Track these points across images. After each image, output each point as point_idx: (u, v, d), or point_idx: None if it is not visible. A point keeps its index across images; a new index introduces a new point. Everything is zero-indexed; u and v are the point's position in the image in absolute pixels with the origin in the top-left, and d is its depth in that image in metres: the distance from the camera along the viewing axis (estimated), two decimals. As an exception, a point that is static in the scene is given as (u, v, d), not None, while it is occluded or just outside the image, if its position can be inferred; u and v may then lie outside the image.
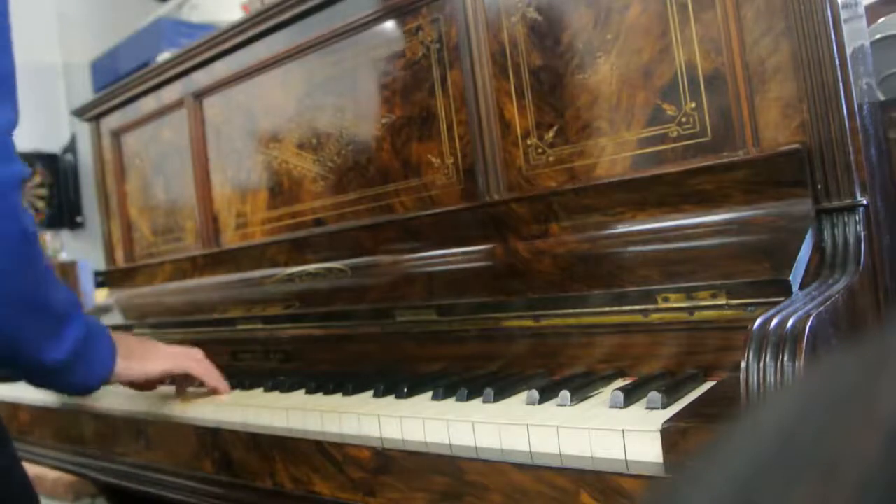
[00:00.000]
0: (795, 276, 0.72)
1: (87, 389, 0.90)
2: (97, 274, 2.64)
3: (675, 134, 0.90)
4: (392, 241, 1.15)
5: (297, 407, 0.92)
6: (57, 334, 0.82)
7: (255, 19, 1.34)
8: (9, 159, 0.73)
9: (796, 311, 0.62)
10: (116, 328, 1.44)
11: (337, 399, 0.93)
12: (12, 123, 0.74)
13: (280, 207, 1.38)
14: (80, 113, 1.86)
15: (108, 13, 2.59)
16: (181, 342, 1.12)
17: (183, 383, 1.10)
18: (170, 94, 1.59)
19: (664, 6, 0.90)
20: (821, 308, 0.63)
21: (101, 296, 2.29)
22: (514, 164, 1.04)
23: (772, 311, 0.63)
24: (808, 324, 0.59)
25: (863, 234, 0.77)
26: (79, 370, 0.86)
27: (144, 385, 1.04)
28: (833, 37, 0.78)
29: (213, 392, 1.05)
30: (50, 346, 0.81)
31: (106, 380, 0.92)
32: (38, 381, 0.87)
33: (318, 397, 0.96)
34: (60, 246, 2.90)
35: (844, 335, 0.67)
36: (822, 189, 0.79)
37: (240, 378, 1.12)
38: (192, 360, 1.04)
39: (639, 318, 0.81)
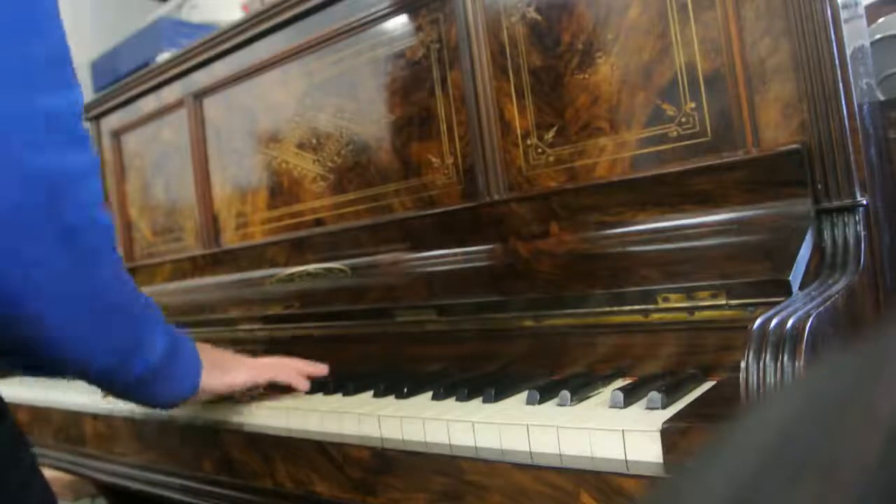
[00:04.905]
0: (795, 276, 0.72)
1: (173, 403, 0.84)
2: (97, 274, 2.62)
3: (675, 134, 0.90)
4: (392, 241, 1.15)
5: (297, 407, 0.91)
6: (142, 343, 0.75)
7: (255, 19, 1.34)
8: (81, 145, 0.64)
9: (796, 311, 0.62)
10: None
11: (337, 399, 0.93)
12: (81, 106, 0.66)
13: (280, 207, 1.38)
14: (80, 113, 1.86)
15: (108, 13, 2.59)
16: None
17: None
18: (170, 94, 1.59)
19: (664, 6, 0.90)
20: (821, 308, 0.63)
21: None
22: (514, 164, 1.04)
23: (772, 311, 0.63)
24: (808, 324, 0.59)
25: (863, 234, 0.76)
26: (164, 382, 0.80)
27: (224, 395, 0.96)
28: (833, 37, 0.78)
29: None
30: (135, 357, 0.74)
31: (194, 392, 0.85)
32: (118, 393, 0.79)
33: (318, 397, 0.96)
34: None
35: (844, 335, 0.67)
36: (822, 189, 0.79)
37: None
38: (274, 370, 0.96)
39: (639, 318, 0.81)
